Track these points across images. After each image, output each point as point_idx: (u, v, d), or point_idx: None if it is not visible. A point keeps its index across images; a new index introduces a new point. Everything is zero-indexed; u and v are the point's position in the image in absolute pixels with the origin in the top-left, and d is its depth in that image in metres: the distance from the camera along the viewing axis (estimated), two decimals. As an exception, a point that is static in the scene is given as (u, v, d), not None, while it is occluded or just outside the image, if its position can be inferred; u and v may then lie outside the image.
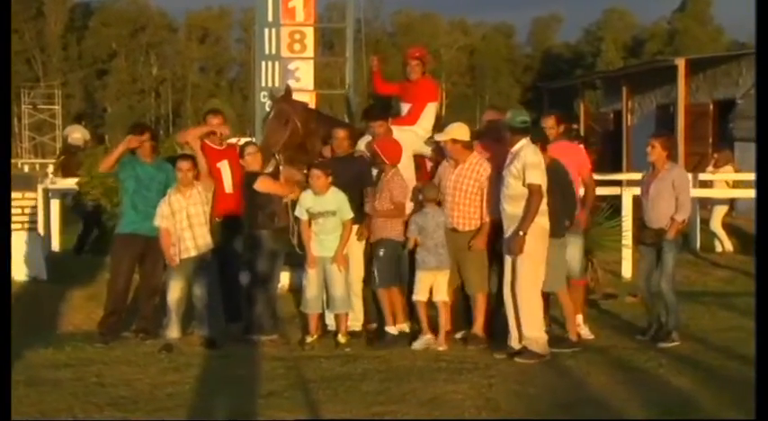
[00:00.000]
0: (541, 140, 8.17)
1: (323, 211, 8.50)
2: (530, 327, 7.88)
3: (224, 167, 8.99)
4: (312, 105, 10.98)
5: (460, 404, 6.53)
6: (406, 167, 8.86)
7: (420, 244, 8.46)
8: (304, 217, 8.58)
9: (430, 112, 9.46)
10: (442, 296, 8.51)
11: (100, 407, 6.49)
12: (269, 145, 9.19)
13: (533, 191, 7.77)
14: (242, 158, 8.84)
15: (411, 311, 8.69)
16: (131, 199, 8.89)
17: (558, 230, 8.13)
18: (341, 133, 8.94)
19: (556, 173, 8.14)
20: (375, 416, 6.30)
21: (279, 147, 9.16)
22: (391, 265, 8.61)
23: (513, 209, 7.85)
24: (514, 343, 7.98)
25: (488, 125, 8.73)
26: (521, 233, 7.74)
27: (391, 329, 8.56)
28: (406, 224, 8.60)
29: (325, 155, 9.11)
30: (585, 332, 8.73)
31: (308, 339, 8.57)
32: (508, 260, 7.93)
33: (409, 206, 8.68)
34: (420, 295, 8.50)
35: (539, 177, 7.78)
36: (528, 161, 7.78)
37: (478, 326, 8.48)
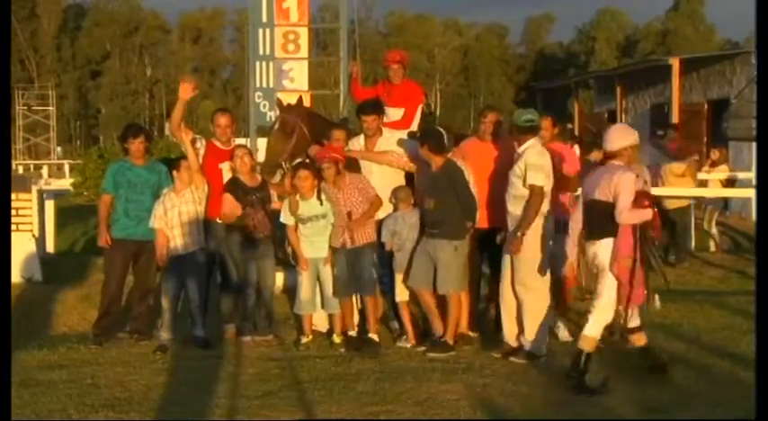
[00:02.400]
0: (436, 145, 8.11)
1: (311, 216, 8.47)
2: (531, 326, 7.87)
3: (226, 168, 8.87)
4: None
5: (455, 403, 6.54)
6: (374, 173, 8.77)
7: (397, 247, 8.43)
8: (290, 222, 8.54)
9: (418, 115, 9.48)
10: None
11: (94, 408, 6.49)
12: (275, 154, 9.03)
13: (534, 192, 7.72)
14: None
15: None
16: (124, 206, 8.87)
17: (458, 232, 8.08)
18: (339, 134, 8.83)
19: (452, 174, 8.11)
20: (370, 415, 6.30)
21: (285, 156, 9.03)
22: (343, 276, 8.51)
23: (516, 209, 7.80)
24: (510, 339, 7.97)
25: (495, 126, 8.66)
26: (519, 234, 7.71)
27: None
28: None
29: (312, 155, 8.97)
30: (564, 334, 8.64)
31: (303, 340, 8.56)
32: (507, 259, 7.91)
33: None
34: (402, 296, 8.50)
35: (540, 179, 7.71)
36: (530, 162, 7.72)
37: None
